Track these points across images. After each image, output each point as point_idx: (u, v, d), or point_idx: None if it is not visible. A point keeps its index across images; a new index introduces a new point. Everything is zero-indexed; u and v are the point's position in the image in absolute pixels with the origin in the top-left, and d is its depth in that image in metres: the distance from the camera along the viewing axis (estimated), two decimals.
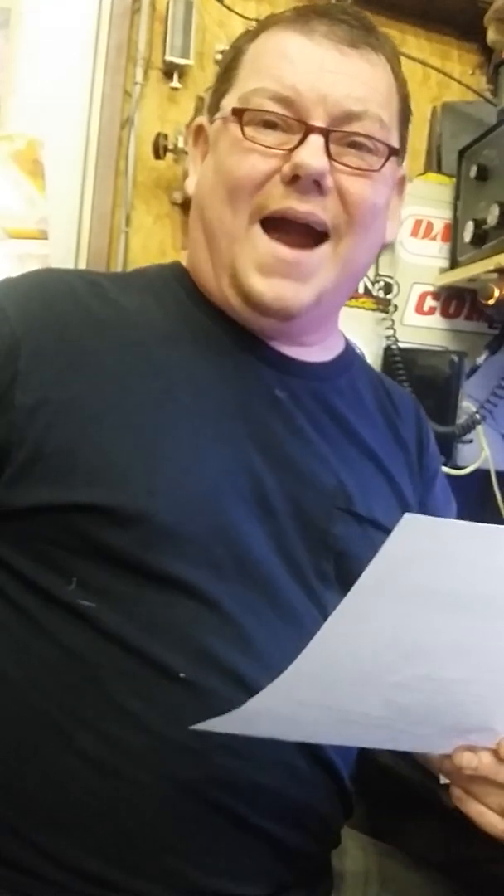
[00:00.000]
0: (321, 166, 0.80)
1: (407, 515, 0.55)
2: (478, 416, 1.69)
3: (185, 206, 2.02)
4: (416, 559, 0.56)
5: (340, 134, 0.82)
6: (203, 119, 0.92)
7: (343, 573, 0.85)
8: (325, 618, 0.85)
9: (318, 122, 0.81)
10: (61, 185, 1.89)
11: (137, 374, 0.83)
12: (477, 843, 0.74)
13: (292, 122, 0.81)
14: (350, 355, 1.00)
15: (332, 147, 0.82)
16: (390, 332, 1.72)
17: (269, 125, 0.82)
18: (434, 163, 1.85)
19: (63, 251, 1.89)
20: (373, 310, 1.74)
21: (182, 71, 2.02)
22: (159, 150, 1.94)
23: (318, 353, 0.94)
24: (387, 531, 0.92)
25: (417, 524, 0.55)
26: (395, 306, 1.76)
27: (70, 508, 0.77)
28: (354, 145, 0.83)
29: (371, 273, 1.70)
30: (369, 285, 1.72)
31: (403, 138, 0.90)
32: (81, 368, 0.82)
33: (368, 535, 0.88)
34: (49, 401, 0.79)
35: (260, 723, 0.67)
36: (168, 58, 1.98)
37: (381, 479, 0.93)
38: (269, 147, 0.81)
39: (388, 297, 1.75)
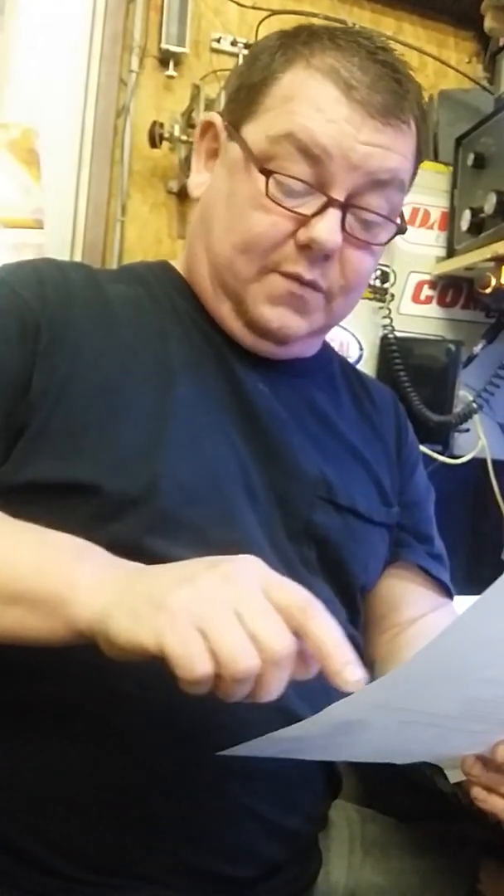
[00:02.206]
0: (335, 244, 0.82)
1: None
2: (474, 405, 1.69)
3: (180, 194, 2.02)
4: None
5: (357, 208, 0.83)
6: (215, 117, 0.90)
7: (325, 560, 0.87)
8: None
9: (340, 193, 0.82)
10: (57, 174, 1.89)
11: (139, 358, 0.85)
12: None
13: (315, 190, 0.82)
14: (328, 352, 1.02)
15: (348, 220, 0.83)
16: (387, 322, 1.72)
17: (292, 185, 0.82)
18: (431, 151, 1.85)
19: (58, 240, 1.89)
20: (369, 299, 1.74)
21: (178, 59, 2.02)
22: (155, 139, 1.93)
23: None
24: (366, 520, 0.93)
25: None
26: (392, 295, 1.76)
27: (69, 489, 0.77)
28: (366, 219, 0.85)
29: None
30: None
31: (414, 174, 0.91)
32: (87, 352, 0.83)
33: (349, 523, 0.90)
34: (59, 381, 0.81)
35: (291, 744, 0.67)
36: (164, 46, 1.98)
37: (361, 470, 0.95)
38: (289, 209, 0.82)
39: (385, 286, 1.75)
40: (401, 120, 0.83)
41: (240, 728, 0.69)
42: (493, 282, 1.57)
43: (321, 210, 0.81)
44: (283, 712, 0.69)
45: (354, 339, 1.73)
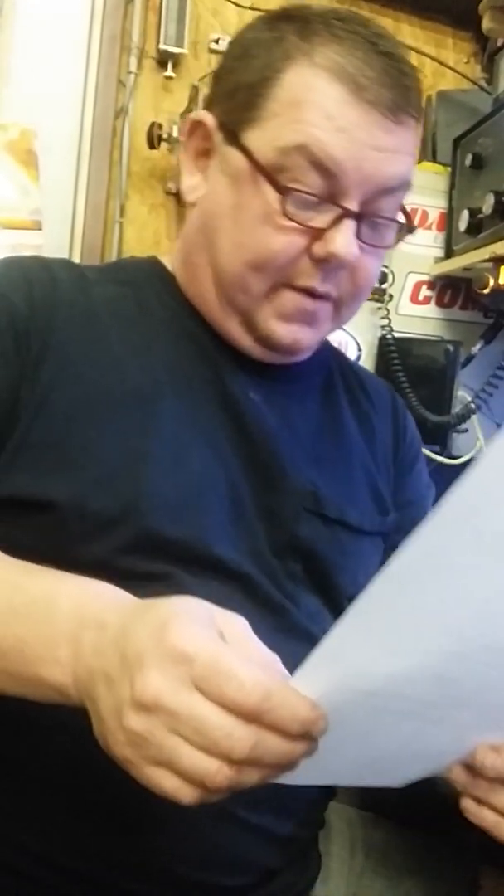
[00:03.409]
0: (354, 256, 0.80)
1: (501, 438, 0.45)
2: (473, 405, 1.69)
3: (179, 195, 2.02)
4: None
5: (370, 216, 0.81)
6: (207, 117, 0.85)
7: (311, 573, 0.86)
8: (302, 614, 0.84)
9: (354, 203, 0.79)
10: (55, 175, 1.89)
11: (123, 368, 0.83)
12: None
13: (327, 202, 0.79)
14: (324, 352, 0.99)
15: (361, 228, 0.81)
16: (385, 322, 1.72)
17: (305, 199, 0.80)
18: (429, 152, 1.85)
19: (57, 242, 1.88)
20: (368, 300, 1.74)
21: (176, 60, 2.01)
22: (153, 140, 1.93)
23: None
24: (356, 531, 0.91)
25: None
26: (391, 296, 1.76)
27: (48, 506, 0.76)
28: (377, 224, 0.83)
29: None
30: None
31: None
32: (71, 361, 0.81)
33: (337, 535, 0.88)
34: (41, 391, 0.79)
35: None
36: (162, 47, 1.97)
37: (356, 476, 0.93)
38: (303, 224, 0.79)
39: (383, 286, 1.75)
40: (410, 115, 0.80)
41: None
42: (492, 282, 1.57)
43: (336, 222, 0.79)
44: None
45: (353, 340, 1.73)
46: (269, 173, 0.78)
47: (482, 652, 0.55)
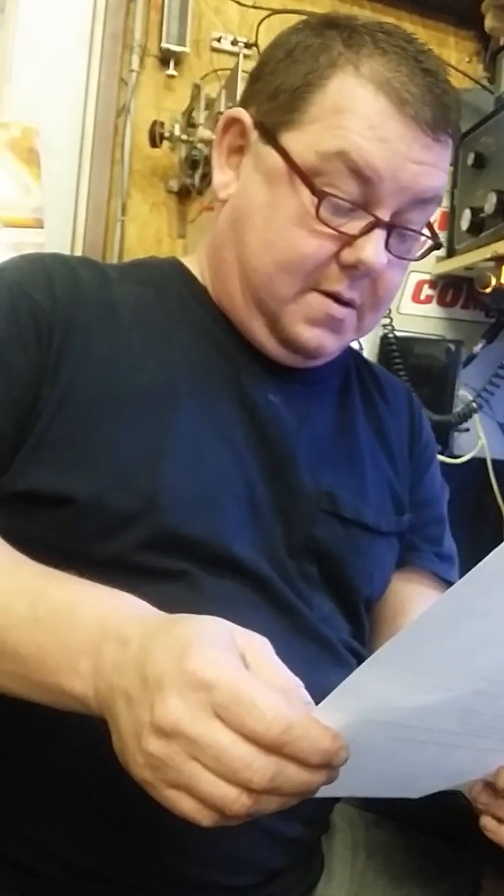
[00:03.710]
0: (382, 265, 0.80)
1: None
2: (474, 404, 1.69)
3: (181, 194, 2.02)
4: None
5: (400, 226, 0.82)
6: (244, 115, 0.85)
7: (327, 575, 0.86)
8: (315, 616, 0.84)
9: (386, 213, 0.80)
10: (57, 173, 1.89)
11: (143, 367, 0.83)
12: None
13: (360, 209, 0.80)
14: (344, 352, 1.00)
15: (390, 238, 0.81)
16: (387, 321, 1.72)
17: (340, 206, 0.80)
18: None
19: (58, 240, 1.89)
20: None
21: (178, 58, 2.01)
22: (155, 138, 1.93)
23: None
24: (373, 531, 0.91)
25: None
26: None
27: (67, 502, 0.76)
28: (405, 235, 0.83)
29: None
30: None
31: None
32: (92, 358, 0.81)
33: (353, 536, 0.88)
34: (62, 387, 0.79)
35: None
36: (164, 45, 1.98)
37: (374, 476, 0.93)
38: (336, 230, 0.80)
39: None
40: (448, 133, 0.81)
41: None
42: (493, 281, 1.57)
43: (367, 230, 0.79)
44: None
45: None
46: (307, 176, 0.79)
47: None
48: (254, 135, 0.84)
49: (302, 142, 0.80)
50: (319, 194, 0.78)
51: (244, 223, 0.84)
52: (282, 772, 0.50)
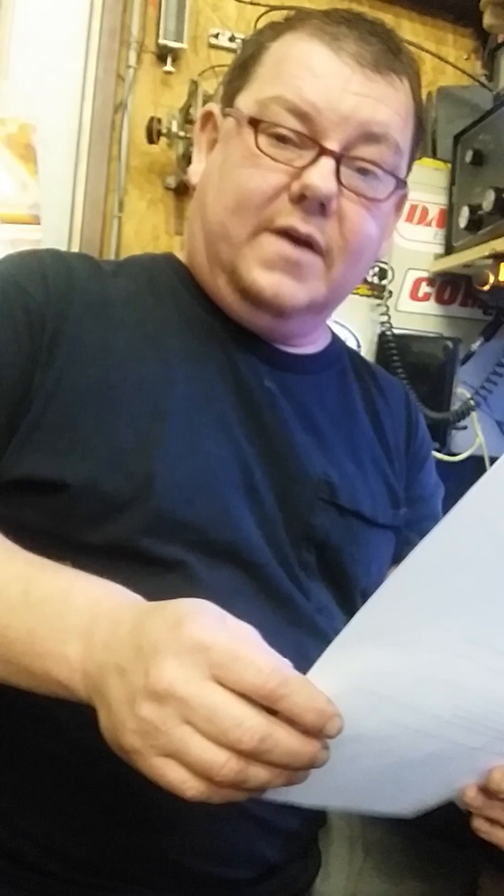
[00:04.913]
0: (329, 190, 0.80)
1: None
2: (472, 402, 1.69)
3: (178, 190, 2.01)
4: None
5: (352, 159, 0.82)
6: (214, 106, 0.90)
7: (324, 564, 0.86)
8: (311, 607, 0.84)
9: (333, 144, 0.81)
10: (54, 169, 1.88)
11: (138, 356, 0.83)
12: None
13: (306, 139, 0.81)
14: (337, 346, 1.00)
15: (343, 171, 0.81)
16: (385, 319, 1.72)
17: (283, 139, 0.82)
18: (429, 148, 1.85)
19: (55, 236, 1.88)
20: (367, 296, 1.74)
21: (176, 55, 2.01)
22: (153, 135, 1.92)
23: (306, 347, 0.95)
24: (371, 523, 0.91)
25: None
26: (390, 292, 1.76)
27: (62, 487, 0.76)
28: (364, 171, 0.83)
29: None
30: None
31: (412, 159, 0.91)
32: (85, 347, 0.82)
33: (351, 526, 0.88)
34: (55, 375, 0.80)
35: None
36: (161, 41, 1.97)
37: (370, 469, 0.93)
38: (281, 162, 0.81)
39: (383, 282, 1.74)
40: (393, 72, 0.82)
41: None
42: (491, 279, 1.57)
43: (314, 160, 0.81)
44: None
45: (352, 336, 1.73)
46: (249, 118, 0.82)
47: (489, 655, 0.55)
48: (220, 118, 0.89)
49: (248, 97, 0.84)
50: (254, 122, 0.81)
51: (205, 190, 0.88)
52: (272, 734, 0.50)
